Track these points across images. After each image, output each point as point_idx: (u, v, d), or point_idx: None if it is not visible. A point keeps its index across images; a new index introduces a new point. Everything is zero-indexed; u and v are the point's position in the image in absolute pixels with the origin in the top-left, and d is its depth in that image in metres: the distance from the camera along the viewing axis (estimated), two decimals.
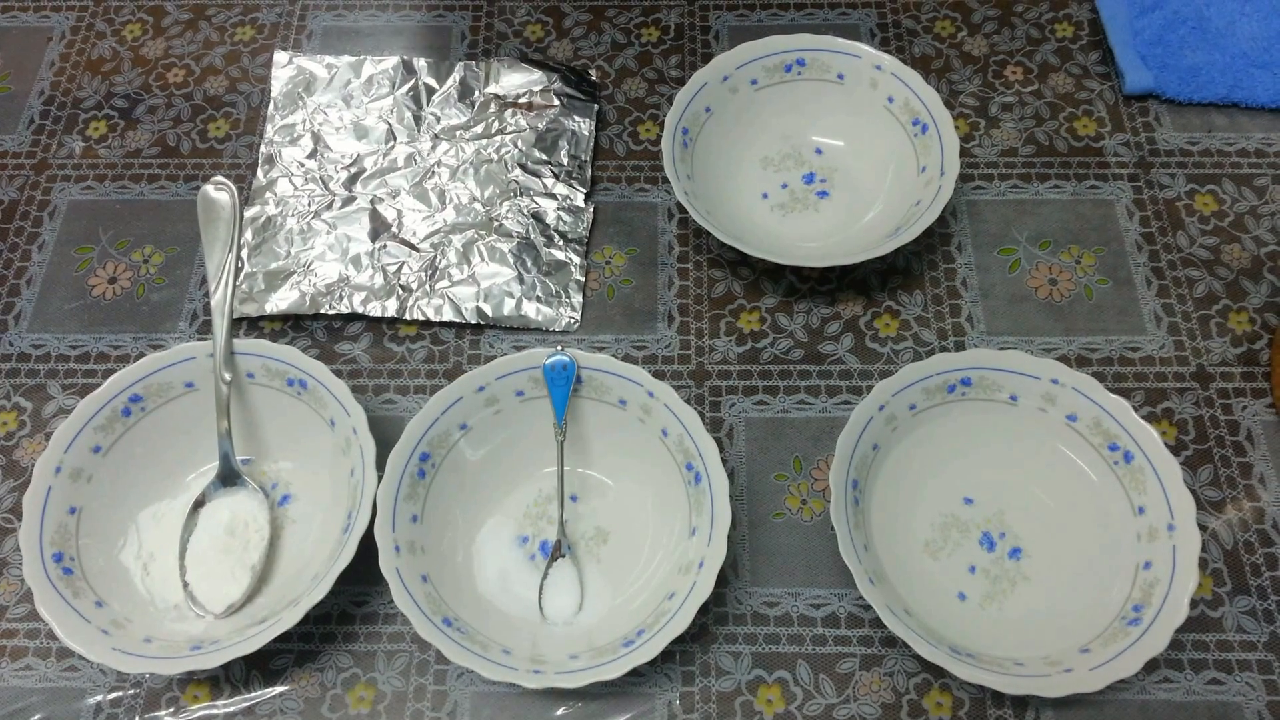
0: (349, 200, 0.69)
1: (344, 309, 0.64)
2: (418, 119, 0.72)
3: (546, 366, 0.58)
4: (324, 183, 0.70)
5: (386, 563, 0.52)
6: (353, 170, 0.70)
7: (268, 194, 0.69)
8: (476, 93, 0.73)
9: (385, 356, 0.65)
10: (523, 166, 0.69)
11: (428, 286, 0.65)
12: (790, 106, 0.70)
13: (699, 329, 0.65)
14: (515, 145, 0.70)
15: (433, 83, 0.73)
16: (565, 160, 0.70)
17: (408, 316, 0.64)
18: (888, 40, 0.76)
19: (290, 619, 0.51)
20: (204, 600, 0.56)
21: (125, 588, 0.56)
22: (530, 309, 0.65)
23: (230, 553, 0.57)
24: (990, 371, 0.58)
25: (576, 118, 0.71)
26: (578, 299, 0.65)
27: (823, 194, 0.69)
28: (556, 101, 0.72)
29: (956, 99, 0.73)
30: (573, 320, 0.65)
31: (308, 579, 0.55)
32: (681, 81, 0.73)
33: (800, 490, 0.60)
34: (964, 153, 0.70)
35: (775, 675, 0.55)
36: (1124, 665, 0.50)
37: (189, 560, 0.57)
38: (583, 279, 0.66)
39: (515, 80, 0.73)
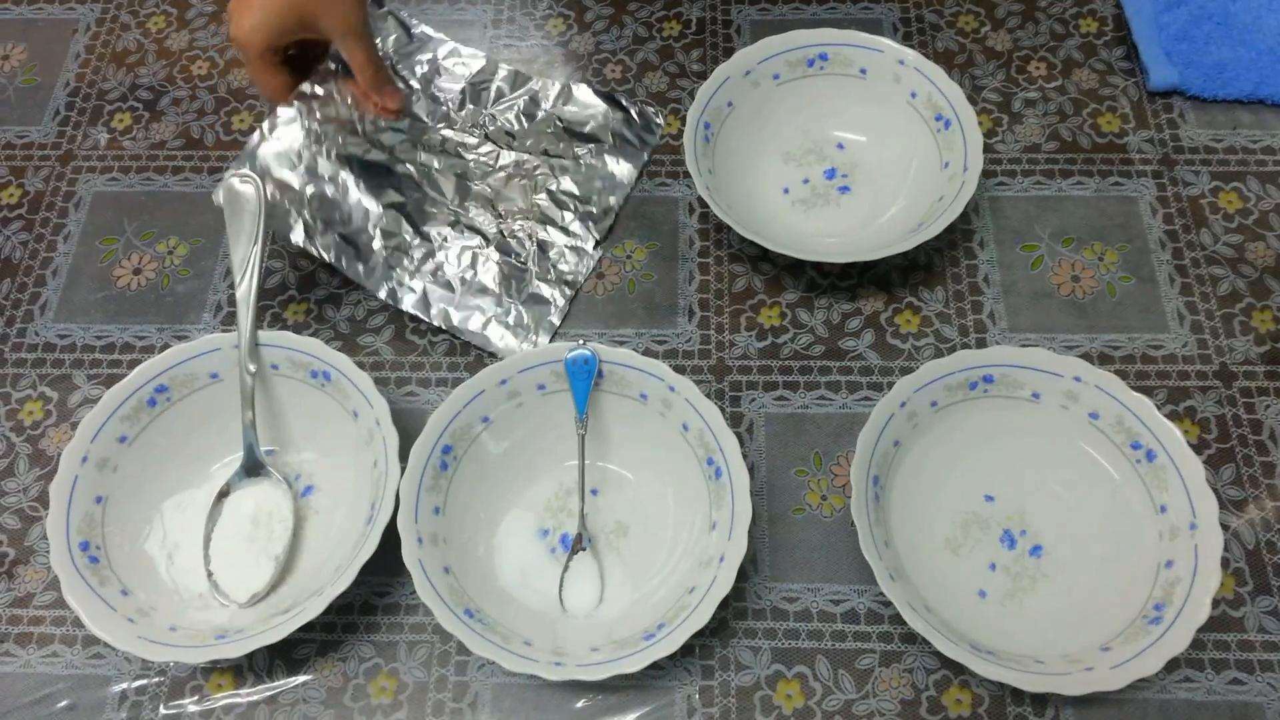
0: (385, 150, 0.68)
1: (330, 257, 0.64)
2: (476, 114, 0.72)
3: (568, 360, 0.58)
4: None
5: (409, 554, 0.53)
6: (400, 131, 0.70)
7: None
8: (540, 111, 0.72)
9: (407, 349, 0.65)
10: (550, 193, 0.69)
11: (413, 269, 0.65)
12: (812, 101, 0.70)
13: (719, 324, 0.65)
14: (553, 171, 0.70)
15: (505, 88, 0.73)
16: (593, 201, 0.69)
17: (380, 293, 0.65)
18: (910, 35, 0.76)
19: (314, 609, 0.52)
20: (228, 589, 0.56)
21: (150, 576, 0.56)
22: (495, 333, 0.64)
23: (254, 542, 0.57)
24: (1012, 369, 0.57)
25: (623, 162, 0.70)
26: (544, 340, 0.64)
27: (844, 189, 0.69)
28: (610, 140, 0.71)
29: (980, 94, 0.73)
30: None
31: (331, 569, 0.56)
32: (703, 76, 0.73)
33: (820, 486, 0.60)
34: (987, 148, 0.70)
35: (795, 670, 0.55)
36: (1145, 664, 0.50)
37: (213, 550, 0.57)
38: (557, 323, 0.65)
39: (581, 107, 0.73)
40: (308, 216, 0.64)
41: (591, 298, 0.66)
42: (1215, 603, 0.52)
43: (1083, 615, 0.54)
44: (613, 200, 0.69)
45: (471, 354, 0.65)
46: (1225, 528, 0.57)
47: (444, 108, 0.72)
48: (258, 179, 0.61)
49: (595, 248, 0.68)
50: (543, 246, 0.67)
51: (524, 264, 0.66)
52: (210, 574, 0.57)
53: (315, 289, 0.67)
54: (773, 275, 0.66)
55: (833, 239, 0.67)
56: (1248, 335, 0.63)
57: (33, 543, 0.60)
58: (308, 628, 0.54)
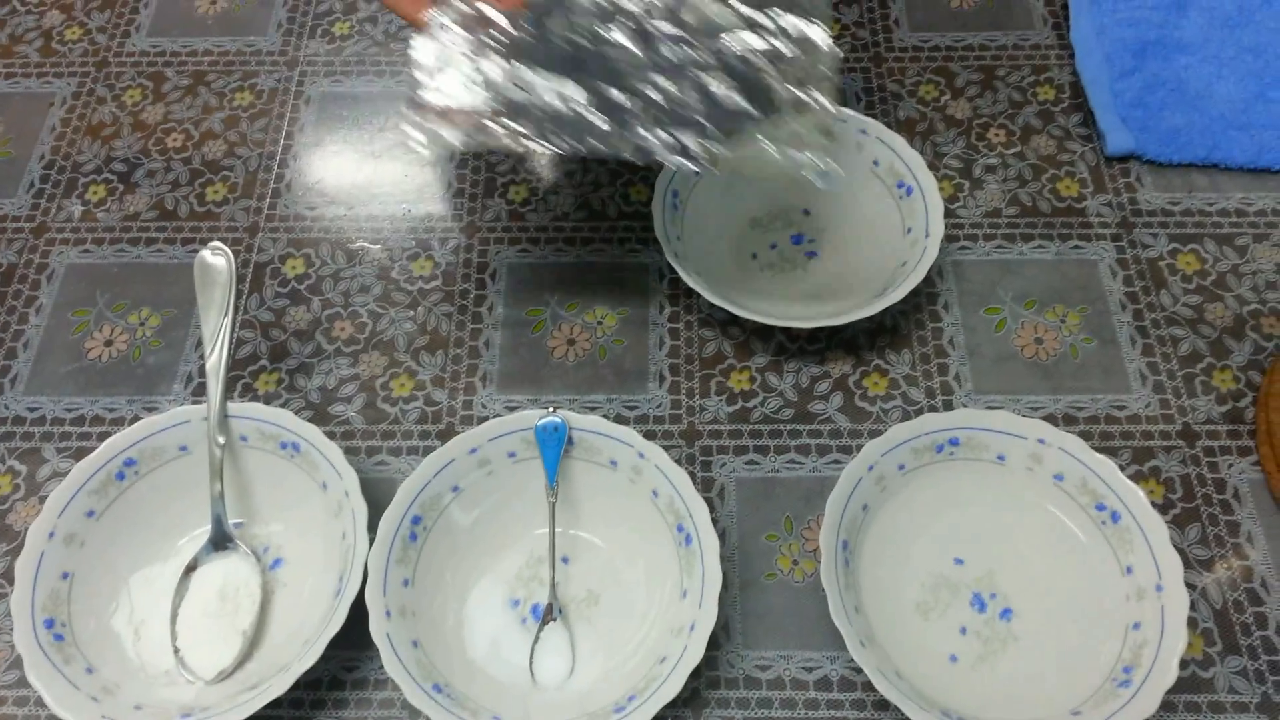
0: (545, 34, 0.59)
1: (566, 148, 0.56)
2: None
3: (538, 428, 0.58)
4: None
5: (377, 628, 0.52)
6: (543, 9, 0.60)
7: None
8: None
9: (378, 418, 0.65)
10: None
11: (647, 121, 0.57)
12: None
13: (690, 388, 0.66)
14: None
15: None
16: None
17: (628, 152, 0.56)
18: (873, 104, 0.78)
19: (280, 685, 0.51)
20: (195, 666, 0.55)
21: (116, 653, 0.56)
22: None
23: (222, 618, 0.57)
24: (977, 431, 0.58)
25: None
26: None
27: (812, 254, 0.70)
28: None
29: (941, 161, 0.74)
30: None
31: (299, 644, 0.55)
32: None
33: (792, 550, 0.60)
34: (949, 214, 0.71)
35: None
36: None
37: (180, 625, 0.57)
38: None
39: None
40: (516, 126, 0.56)
41: (562, 364, 0.67)
42: (1185, 663, 0.53)
43: (1053, 679, 0.54)
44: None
45: (443, 421, 0.65)
46: (1192, 588, 0.58)
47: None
48: (228, 251, 0.61)
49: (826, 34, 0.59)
50: (763, 55, 0.58)
51: (756, 74, 0.58)
52: (177, 650, 0.56)
53: (287, 359, 0.67)
54: (742, 340, 0.67)
55: (801, 303, 0.68)
56: (1209, 395, 0.64)
57: None
58: (275, 704, 0.53)
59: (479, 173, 0.75)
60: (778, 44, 0.59)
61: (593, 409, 0.65)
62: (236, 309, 0.61)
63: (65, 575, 0.56)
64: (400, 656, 0.52)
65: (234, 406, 0.59)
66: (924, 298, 0.68)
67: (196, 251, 0.71)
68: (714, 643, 0.55)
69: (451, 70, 0.57)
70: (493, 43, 0.58)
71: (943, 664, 0.55)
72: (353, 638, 0.54)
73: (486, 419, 0.62)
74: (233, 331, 0.60)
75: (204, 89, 0.80)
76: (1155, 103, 0.75)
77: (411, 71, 0.57)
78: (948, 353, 0.66)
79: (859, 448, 0.58)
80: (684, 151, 0.56)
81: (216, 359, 0.60)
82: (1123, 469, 0.56)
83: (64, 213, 0.74)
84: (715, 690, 0.56)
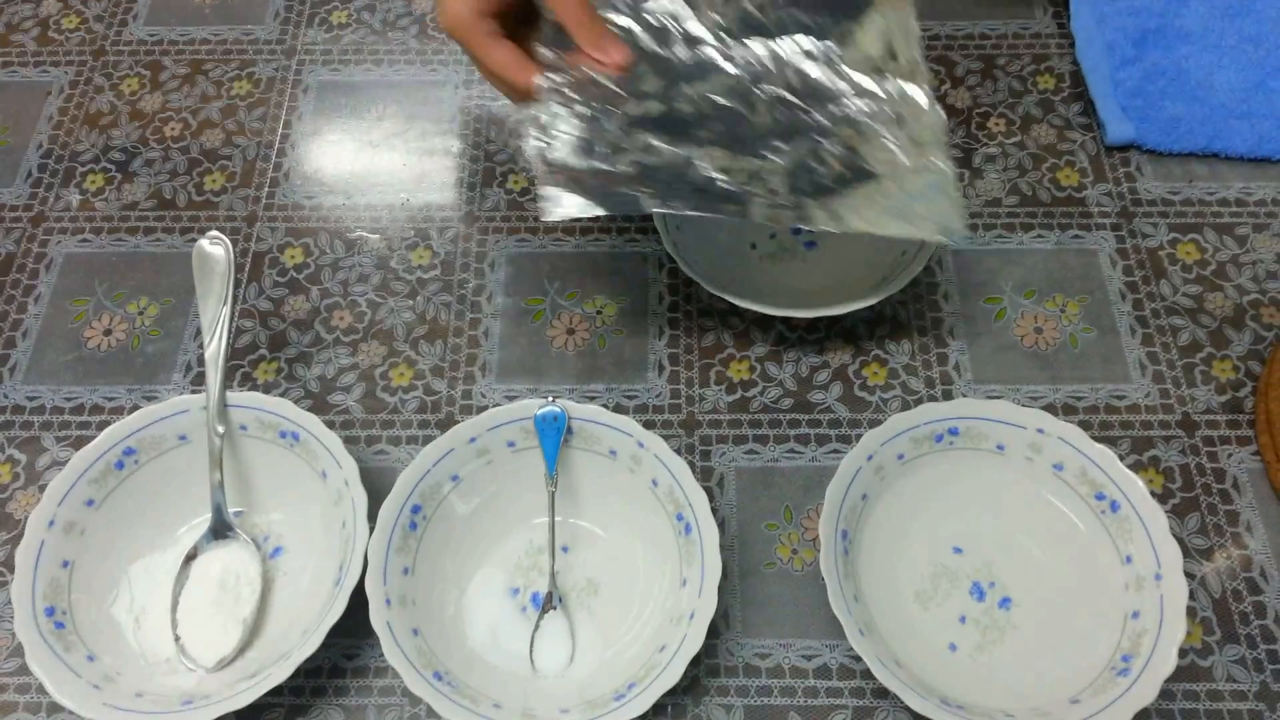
0: (656, 96, 0.58)
1: (694, 211, 0.55)
2: (702, 17, 0.61)
3: (538, 417, 0.58)
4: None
5: (377, 616, 0.52)
6: (651, 75, 0.59)
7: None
8: None
9: (378, 407, 0.65)
10: (833, 63, 0.60)
11: (775, 188, 0.56)
12: None
13: (689, 378, 0.66)
14: (820, 36, 0.60)
15: None
16: (897, 53, 0.61)
17: (760, 218, 0.56)
18: None
19: (281, 673, 0.51)
20: (195, 654, 0.56)
21: (117, 641, 0.56)
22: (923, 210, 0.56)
23: (222, 606, 0.57)
24: (977, 421, 0.58)
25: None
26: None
27: (810, 244, 0.70)
28: None
29: None
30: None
31: (299, 632, 0.55)
32: None
33: (791, 540, 0.60)
34: None
35: None
36: (1114, 716, 0.50)
37: (181, 614, 0.57)
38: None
39: None
40: (642, 190, 0.56)
41: (562, 353, 0.67)
42: (1183, 652, 0.53)
43: (1052, 667, 0.54)
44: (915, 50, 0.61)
45: (442, 411, 0.65)
46: (1191, 577, 0.58)
47: (666, 26, 0.61)
48: (227, 241, 0.61)
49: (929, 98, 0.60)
50: (872, 118, 0.59)
51: (869, 137, 0.59)
52: (178, 638, 0.56)
53: (286, 348, 0.67)
54: (741, 330, 0.67)
55: (799, 293, 0.68)
56: (1209, 385, 0.64)
57: None
58: (275, 692, 0.53)
59: (478, 162, 0.75)
60: (885, 107, 0.60)
61: (592, 398, 0.65)
62: (235, 298, 0.61)
63: (65, 564, 0.56)
64: (401, 644, 0.52)
65: (233, 396, 0.59)
66: (923, 287, 0.68)
67: (195, 241, 0.71)
68: (713, 631, 0.55)
69: (569, 134, 0.57)
70: (608, 106, 0.58)
71: (942, 653, 0.55)
72: (353, 626, 0.54)
73: (486, 408, 0.62)
74: (231, 321, 0.60)
75: (202, 78, 0.80)
76: (1155, 92, 0.75)
77: (532, 136, 0.56)
78: (947, 342, 0.66)
79: (858, 437, 0.58)
80: (807, 215, 0.56)
81: (215, 348, 0.59)
82: (1122, 459, 0.56)
83: (62, 202, 0.74)
84: (715, 678, 0.56)
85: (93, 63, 0.81)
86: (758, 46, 0.61)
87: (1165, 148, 0.73)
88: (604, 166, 0.56)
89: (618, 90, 0.58)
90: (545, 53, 0.57)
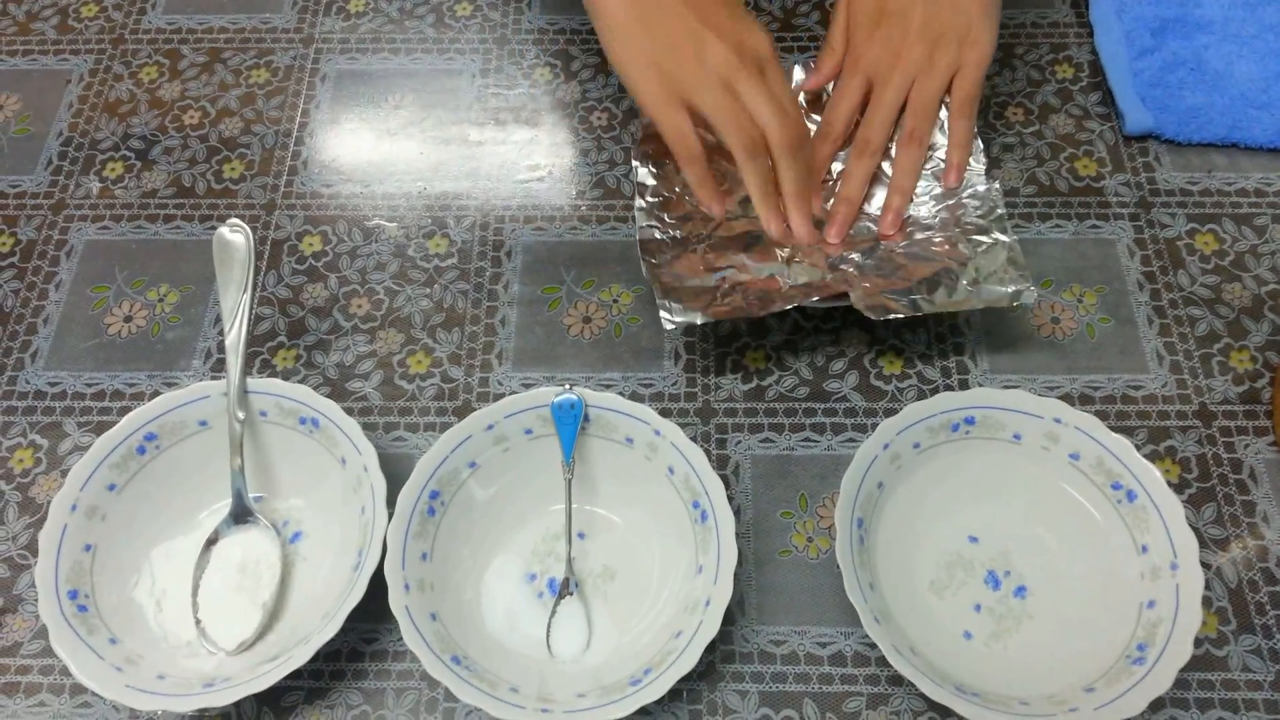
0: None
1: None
2: None
3: (554, 405, 0.59)
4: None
5: (396, 601, 0.53)
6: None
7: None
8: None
9: (396, 394, 0.65)
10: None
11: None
12: None
13: (705, 367, 0.66)
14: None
15: None
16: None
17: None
18: None
19: (301, 656, 0.52)
20: (216, 637, 0.56)
21: (139, 625, 0.56)
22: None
23: (242, 590, 0.58)
24: (993, 410, 0.58)
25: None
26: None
27: None
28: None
29: None
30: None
31: (318, 616, 0.56)
32: None
33: (806, 528, 0.60)
34: None
35: (782, 714, 0.55)
36: (1129, 705, 0.50)
37: (201, 597, 0.57)
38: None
39: None
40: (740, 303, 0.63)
41: (578, 341, 0.67)
42: (1198, 642, 0.53)
43: (1067, 656, 0.54)
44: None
45: (459, 398, 0.65)
46: (1207, 567, 0.58)
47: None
48: (247, 228, 0.62)
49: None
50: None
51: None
52: (199, 622, 0.57)
53: (304, 335, 0.68)
54: (757, 319, 0.67)
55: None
56: (1226, 375, 0.64)
57: (21, 591, 0.60)
58: (295, 675, 0.54)
59: (495, 152, 0.75)
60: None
61: (608, 386, 0.65)
62: (255, 285, 0.61)
63: (88, 548, 0.57)
64: (419, 629, 0.52)
65: (253, 382, 0.60)
66: None
67: (214, 228, 0.71)
68: (728, 618, 0.56)
69: (668, 256, 0.66)
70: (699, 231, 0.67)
71: (956, 641, 0.55)
72: (371, 610, 0.54)
73: (502, 396, 0.62)
74: (251, 308, 0.60)
75: (220, 66, 0.81)
76: (1174, 82, 0.75)
77: (643, 258, 0.65)
78: (963, 332, 0.66)
79: (874, 426, 0.58)
80: (913, 304, 0.62)
81: (236, 335, 0.60)
82: (1138, 448, 0.56)
83: (82, 189, 0.75)
84: (730, 664, 0.56)
85: (112, 51, 0.82)
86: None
87: (1184, 138, 0.73)
88: (701, 284, 0.64)
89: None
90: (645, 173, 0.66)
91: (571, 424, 0.58)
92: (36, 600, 0.54)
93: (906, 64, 0.62)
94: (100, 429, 0.61)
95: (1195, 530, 0.54)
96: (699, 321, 0.61)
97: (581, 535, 0.59)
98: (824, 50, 0.65)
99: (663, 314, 0.61)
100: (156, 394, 0.61)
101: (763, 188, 0.59)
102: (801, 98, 0.70)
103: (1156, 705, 0.51)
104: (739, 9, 0.61)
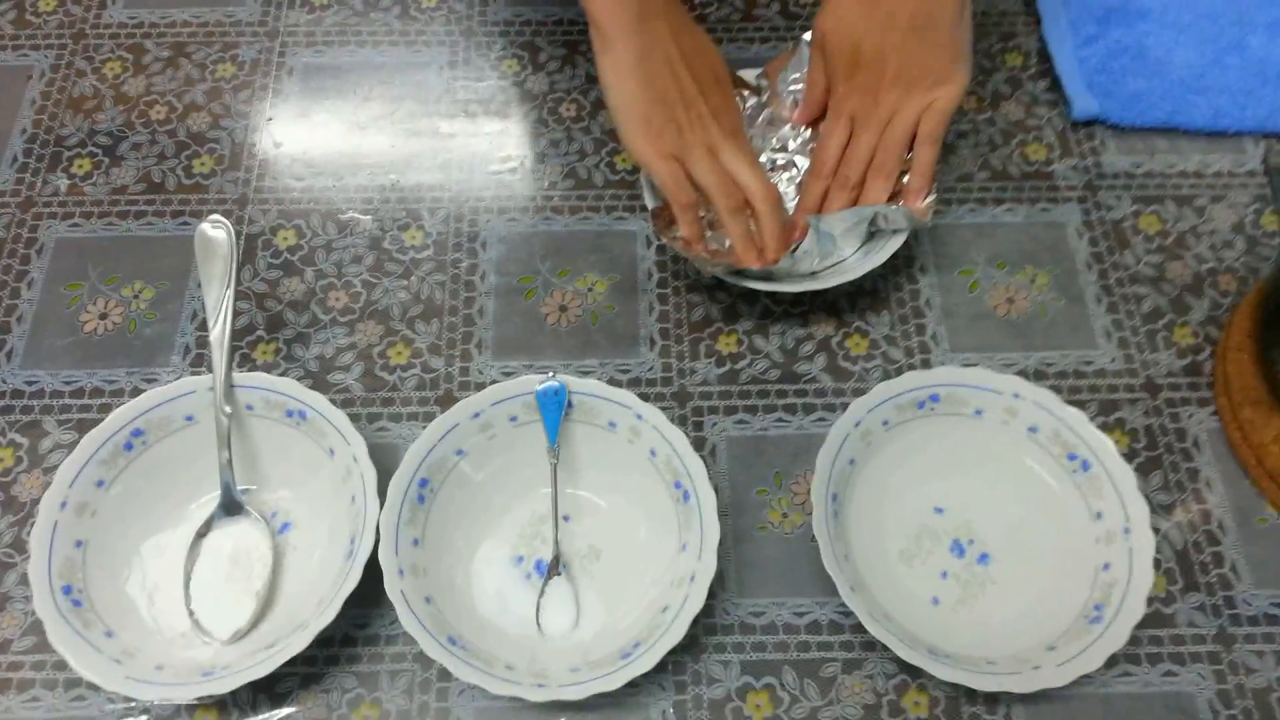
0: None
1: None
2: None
3: (539, 392, 0.60)
4: None
5: (392, 586, 0.55)
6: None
7: None
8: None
9: (377, 385, 0.67)
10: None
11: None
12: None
13: (680, 352, 0.68)
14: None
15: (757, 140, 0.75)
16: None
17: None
18: None
19: (299, 643, 0.53)
20: (210, 627, 0.57)
21: (133, 618, 0.57)
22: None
23: (234, 580, 0.59)
24: (957, 388, 0.61)
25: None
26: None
27: None
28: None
29: None
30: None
31: (311, 604, 0.57)
32: None
33: (781, 504, 0.63)
34: None
35: (763, 681, 0.58)
36: (1087, 661, 0.53)
37: (194, 589, 0.58)
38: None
39: None
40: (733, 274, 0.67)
41: (556, 329, 0.69)
42: (1149, 601, 0.56)
43: (1029, 617, 0.57)
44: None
45: (441, 388, 0.67)
46: (1156, 531, 0.61)
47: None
48: (228, 224, 0.62)
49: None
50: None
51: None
52: (192, 613, 0.58)
53: (283, 329, 0.69)
54: (729, 304, 0.70)
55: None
56: (1170, 349, 0.68)
57: (9, 589, 0.60)
58: (290, 661, 0.55)
59: (466, 144, 0.76)
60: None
61: (587, 373, 0.67)
62: (238, 280, 0.62)
63: (79, 544, 0.57)
64: (415, 612, 0.54)
65: (239, 376, 0.61)
66: (901, 260, 0.71)
67: (187, 224, 0.72)
68: (711, 592, 0.58)
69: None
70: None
71: (925, 606, 0.59)
72: (363, 596, 0.56)
73: (484, 385, 0.64)
74: (233, 302, 0.61)
75: (185, 60, 0.80)
76: (1118, 68, 0.78)
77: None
78: (925, 313, 0.69)
79: (843, 406, 0.61)
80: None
81: (220, 329, 0.61)
82: (1090, 421, 0.60)
83: (50, 187, 0.74)
84: (713, 636, 0.59)
85: (73, 46, 0.81)
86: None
87: (1128, 122, 0.77)
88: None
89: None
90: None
91: (556, 410, 0.60)
92: (25, 598, 0.55)
93: (882, 110, 0.67)
94: (81, 426, 0.62)
95: (1145, 497, 0.58)
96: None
97: (567, 518, 0.61)
98: (808, 88, 0.71)
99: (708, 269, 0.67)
100: (137, 390, 0.62)
101: (745, 237, 0.65)
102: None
103: (1112, 661, 0.54)
104: (724, 76, 0.67)
